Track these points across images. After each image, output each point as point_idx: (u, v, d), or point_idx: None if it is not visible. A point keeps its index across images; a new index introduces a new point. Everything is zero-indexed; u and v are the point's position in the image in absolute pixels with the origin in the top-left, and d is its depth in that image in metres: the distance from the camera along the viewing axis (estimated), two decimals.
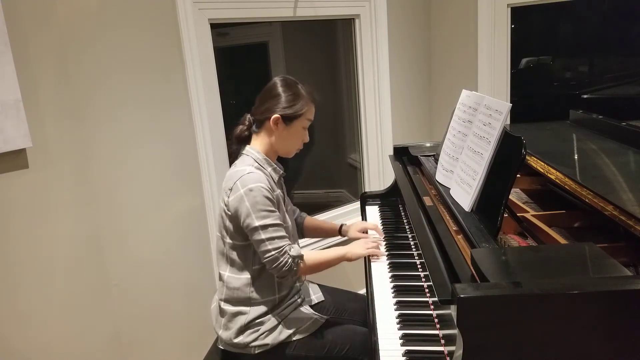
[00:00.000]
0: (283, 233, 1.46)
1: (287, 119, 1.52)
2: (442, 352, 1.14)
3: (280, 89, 1.53)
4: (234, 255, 1.52)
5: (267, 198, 1.43)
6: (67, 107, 1.68)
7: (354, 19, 2.51)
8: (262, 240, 1.42)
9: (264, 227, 1.42)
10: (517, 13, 2.54)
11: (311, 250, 1.58)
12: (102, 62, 1.73)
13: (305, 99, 1.53)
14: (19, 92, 1.53)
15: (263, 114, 1.53)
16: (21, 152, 1.59)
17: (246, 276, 1.51)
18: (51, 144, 1.65)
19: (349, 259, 1.57)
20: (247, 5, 2.08)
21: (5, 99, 1.50)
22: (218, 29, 2.11)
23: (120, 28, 1.75)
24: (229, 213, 1.47)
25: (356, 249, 1.59)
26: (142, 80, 1.82)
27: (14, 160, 1.58)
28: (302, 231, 1.87)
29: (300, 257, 1.48)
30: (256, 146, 1.56)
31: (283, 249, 1.44)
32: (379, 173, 2.73)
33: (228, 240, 1.52)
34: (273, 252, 1.43)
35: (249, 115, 1.59)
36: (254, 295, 1.52)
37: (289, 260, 1.44)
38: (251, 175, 1.44)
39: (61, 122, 1.67)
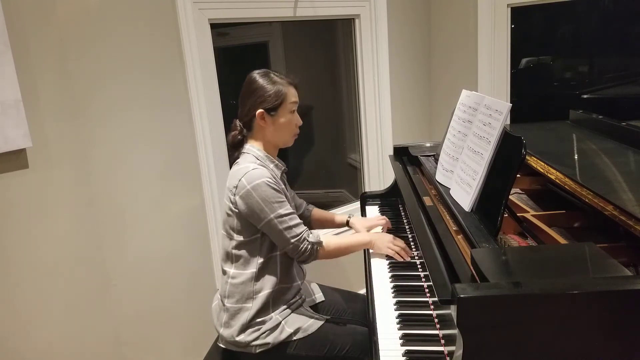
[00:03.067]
0: (298, 220, 1.51)
1: (271, 110, 1.53)
2: (442, 352, 1.14)
3: (254, 85, 1.54)
4: (241, 251, 1.53)
5: (275, 189, 1.47)
6: (67, 107, 1.68)
7: (354, 19, 2.51)
8: (280, 232, 1.47)
9: (279, 217, 1.46)
10: (517, 13, 2.54)
11: (333, 236, 1.63)
12: (102, 62, 1.73)
13: (281, 84, 1.54)
14: (19, 92, 1.53)
15: (248, 114, 1.55)
16: (21, 152, 1.59)
17: (251, 270, 1.53)
18: (51, 144, 1.66)
19: (372, 249, 1.62)
20: (247, 5, 2.08)
21: (5, 99, 1.50)
22: (218, 29, 2.11)
23: (120, 28, 1.75)
24: (236, 211, 1.49)
25: (382, 245, 1.60)
26: (142, 80, 1.82)
27: (14, 160, 1.58)
28: (309, 224, 1.88)
29: (319, 243, 1.54)
30: (255, 144, 1.58)
31: (302, 236, 1.50)
32: (379, 173, 2.73)
33: (235, 237, 1.53)
34: (293, 241, 1.48)
35: (237, 121, 1.60)
36: (257, 287, 1.53)
37: (309, 247, 1.51)
38: (255, 171, 1.47)
39: (61, 122, 1.67)
